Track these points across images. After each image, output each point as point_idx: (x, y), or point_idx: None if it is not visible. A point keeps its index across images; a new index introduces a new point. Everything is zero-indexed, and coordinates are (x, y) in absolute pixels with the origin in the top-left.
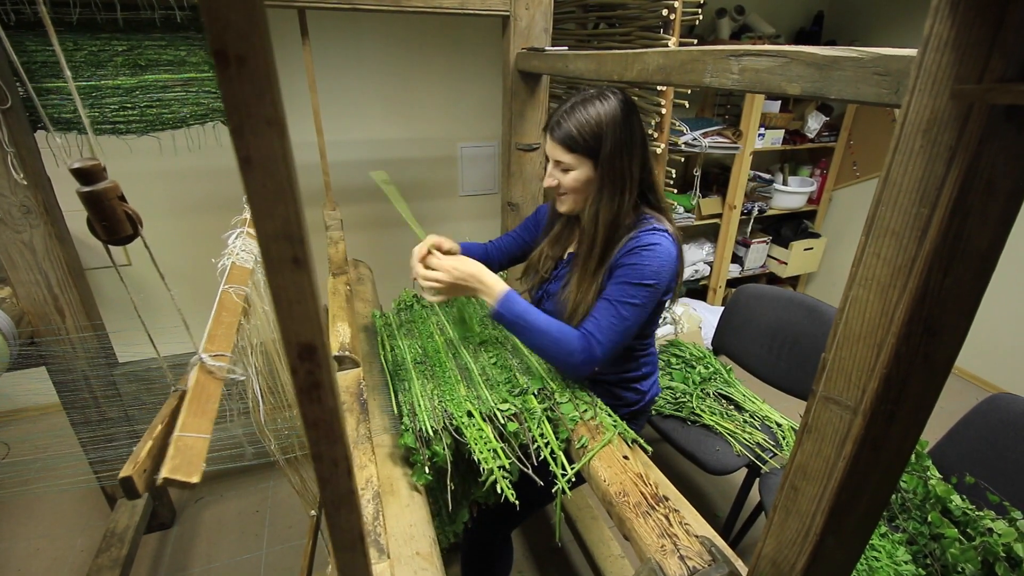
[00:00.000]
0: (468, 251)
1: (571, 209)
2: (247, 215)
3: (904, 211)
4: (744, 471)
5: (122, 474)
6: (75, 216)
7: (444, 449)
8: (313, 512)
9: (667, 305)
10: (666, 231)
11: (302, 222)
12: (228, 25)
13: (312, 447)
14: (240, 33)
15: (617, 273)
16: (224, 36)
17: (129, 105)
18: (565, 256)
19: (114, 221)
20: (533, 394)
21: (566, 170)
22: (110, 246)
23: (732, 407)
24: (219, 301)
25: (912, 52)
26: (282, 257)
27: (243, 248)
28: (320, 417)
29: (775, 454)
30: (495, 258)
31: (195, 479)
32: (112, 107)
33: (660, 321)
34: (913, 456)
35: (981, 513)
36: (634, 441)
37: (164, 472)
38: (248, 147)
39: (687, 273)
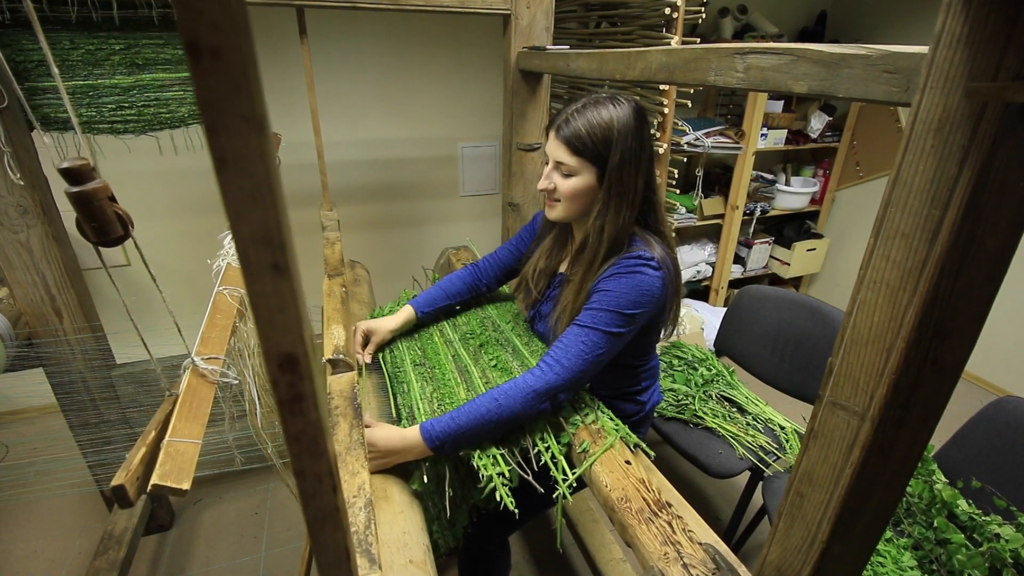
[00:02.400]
0: (449, 285)
1: (560, 217)
2: None
3: (915, 212)
4: (747, 474)
5: (114, 482)
6: (73, 216)
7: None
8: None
9: (664, 323)
10: (652, 259)
11: (283, 226)
12: (201, 14)
13: (294, 462)
14: (214, 23)
15: (594, 298)
16: (196, 26)
17: (127, 104)
18: (556, 275)
19: (104, 222)
20: None
21: (567, 175)
22: (107, 246)
23: (735, 409)
24: (213, 303)
25: (923, 49)
26: (261, 263)
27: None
28: (303, 431)
29: (778, 457)
30: (487, 277)
31: (185, 485)
32: (109, 106)
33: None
34: None
35: (988, 518)
36: (636, 446)
37: (154, 479)
38: (223, 147)
39: (689, 274)
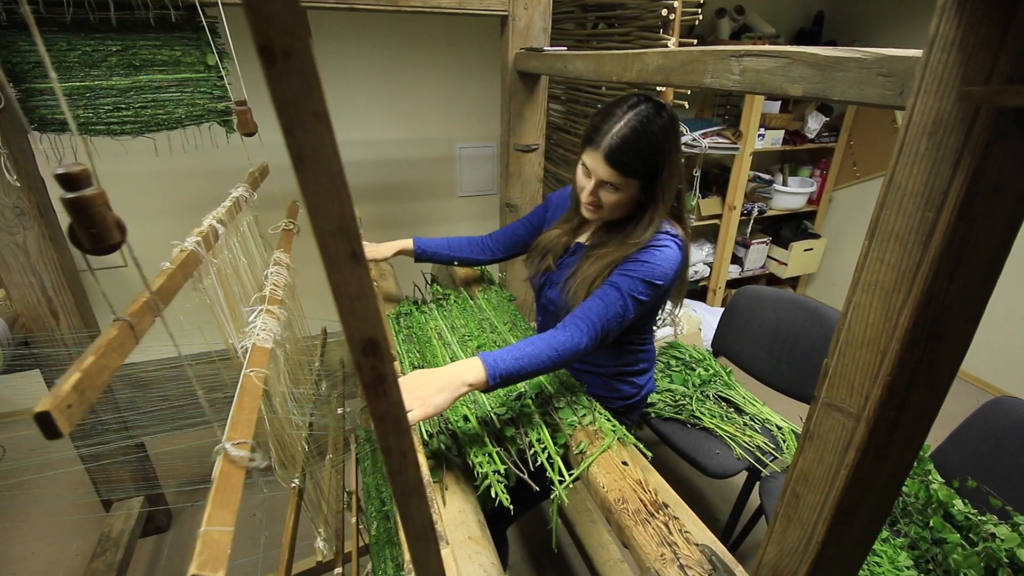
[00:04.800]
0: (454, 240)
1: (601, 218)
2: (267, 291)
3: (909, 215)
4: (744, 474)
5: (39, 408)
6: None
7: (440, 448)
8: (295, 483)
9: (668, 308)
10: (676, 236)
11: (355, 217)
12: (272, 19)
13: (381, 440)
14: (284, 26)
15: (628, 266)
16: (269, 30)
17: (124, 106)
18: (573, 245)
19: (102, 228)
20: (531, 399)
21: (615, 190)
22: (101, 254)
23: (732, 410)
24: (241, 386)
25: (917, 53)
26: (340, 253)
27: (263, 327)
28: (387, 410)
29: (775, 457)
30: (494, 245)
31: (221, 574)
32: (106, 108)
33: (659, 323)
34: None
35: (984, 518)
36: (633, 446)
37: (193, 568)
38: (300, 144)
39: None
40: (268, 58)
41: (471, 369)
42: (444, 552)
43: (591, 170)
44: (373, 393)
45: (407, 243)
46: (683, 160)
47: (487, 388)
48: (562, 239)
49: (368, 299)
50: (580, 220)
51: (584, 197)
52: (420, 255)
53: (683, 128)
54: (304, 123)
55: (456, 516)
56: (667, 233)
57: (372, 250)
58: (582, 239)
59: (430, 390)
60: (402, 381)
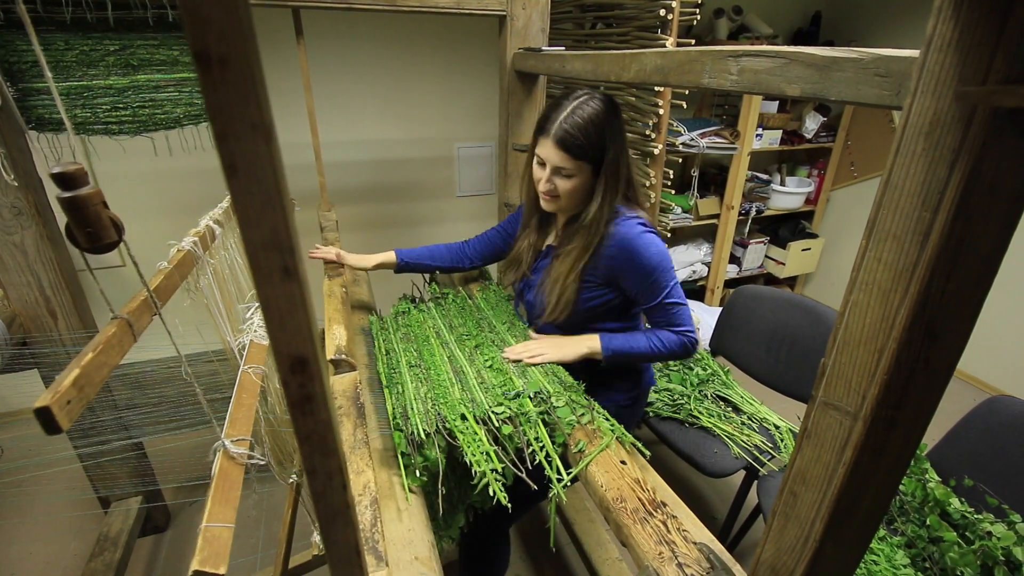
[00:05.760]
0: (434, 249)
1: (558, 209)
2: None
3: (906, 215)
4: (742, 473)
5: (39, 403)
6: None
7: (436, 452)
8: (292, 478)
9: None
10: (640, 219)
11: (291, 230)
12: (209, 24)
13: (306, 461)
14: (222, 33)
15: (654, 278)
16: (205, 36)
17: (122, 105)
18: (544, 248)
19: (98, 227)
20: (529, 397)
21: (568, 176)
22: (99, 252)
23: (730, 409)
24: (239, 383)
25: (914, 53)
26: (271, 267)
27: (261, 324)
28: (313, 430)
29: (773, 456)
30: (472, 252)
31: (222, 571)
32: (104, 107)
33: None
34: None
35: (980, 516)
36: (632, 444)
37: (194, 565)
38: (233, 153)
39: (685, 274)
40: (203, 64)
41: (590, 340)
42: (381, 574)
43: (544, 159)
44: (299, 412)
45: (389, 256)
46: (628, 147)
47: (602, 360)
48: (532, 245)
49: (299, 315)
50: (541, 222)
51: (541, 187)
52: (403, 266)
53: (682, 128)
54: (238, 133)
55: (404, 535)
56: (641, 224)
57: (357, 260)
58: (551, 240)
59: (563, 342)
60: (541, 337)
